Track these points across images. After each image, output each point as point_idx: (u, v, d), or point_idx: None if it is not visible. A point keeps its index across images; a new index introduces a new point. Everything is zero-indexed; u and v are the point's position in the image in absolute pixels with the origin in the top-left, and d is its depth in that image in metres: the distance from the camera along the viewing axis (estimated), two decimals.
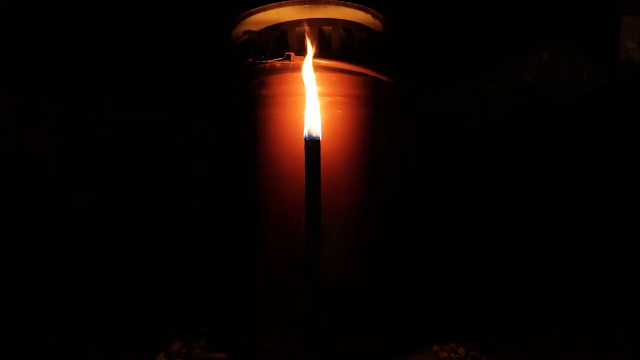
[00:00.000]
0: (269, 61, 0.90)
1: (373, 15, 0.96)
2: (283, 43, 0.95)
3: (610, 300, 1.21)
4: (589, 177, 1.41)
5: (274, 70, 0.90)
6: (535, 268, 1.35)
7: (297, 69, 0.89)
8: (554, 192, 1.42)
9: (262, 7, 0.92)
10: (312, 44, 0.80)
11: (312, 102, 0.73)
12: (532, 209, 1.41)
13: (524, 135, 1.43)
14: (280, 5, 0.91)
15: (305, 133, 0.70)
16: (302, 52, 0.90)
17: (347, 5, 0.92)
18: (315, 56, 0.89)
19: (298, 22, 0.94)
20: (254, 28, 0.98)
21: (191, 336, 1.04)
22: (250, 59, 0.92)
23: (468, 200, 1.43)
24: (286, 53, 0.89)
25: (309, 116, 0.71)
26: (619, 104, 1.42)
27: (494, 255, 1.37)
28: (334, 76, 0.89)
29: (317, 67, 0.88)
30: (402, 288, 1.05)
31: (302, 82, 0.89)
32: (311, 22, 0.94)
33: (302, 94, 0.89)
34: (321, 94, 0.87)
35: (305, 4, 0.91)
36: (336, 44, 0.95)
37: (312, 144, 0.70)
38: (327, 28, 0.95)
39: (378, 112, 0.94)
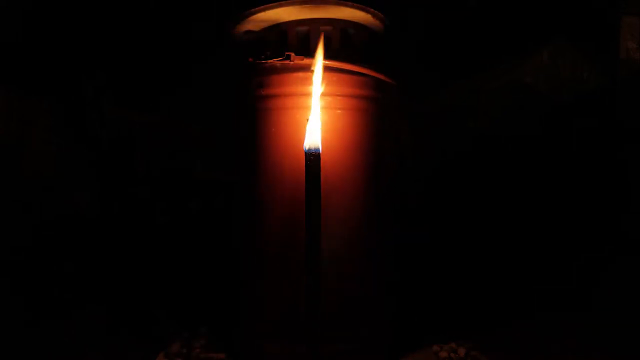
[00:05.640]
0: (269, 61, 0.90)
1: (373, 15, 0.96)
2: (283, 43, 0.95)
3: (612, 299, 1.21)
4: (589, 176, 1.41)
5: (274, 70, 0.91)
6: (536, 268, 1.35)
7: (297, 68, 0.89)
8: (553, 191, 1.42)
9: (262, 7, 0.92)
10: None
11: (314, 116, 0.73)
12: (531, 207, 1.41)
13: (524, 134, 1.43)
14: (281, 5, 0.91)
15: (306, 146, 0.70)
16: (302, 52, 0.90)
17: (347, 5, 0.92)
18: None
19: (298, 22, 0.94)
20: (254, 28, 0.98)
21: (191, 336, 1.04)
22: (250, 59, 0.92)
23: (467, 199, 1.43)
24: (286, 53, 0.89)
25: (310, 128, 0.72)
26: (619, 104, 1.42)
27: (494, 255, 1.37)
28: (334, 76, 0.89)
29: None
30: (403, 288, 1.05)
31: (302, 83, 0.89)
32: (312, 22, 0.94)
33: (302, 94, 0.89)
34: (321, 94, 0.87)
35: (305, 4, 0.91)
36: (336, 43, 0.95)
37: (312, 156, 0.70)
38: (327, 28, 0.95)
39: (378, 111, 0.94)
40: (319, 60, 0.79)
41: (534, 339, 1.04)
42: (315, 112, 0.75)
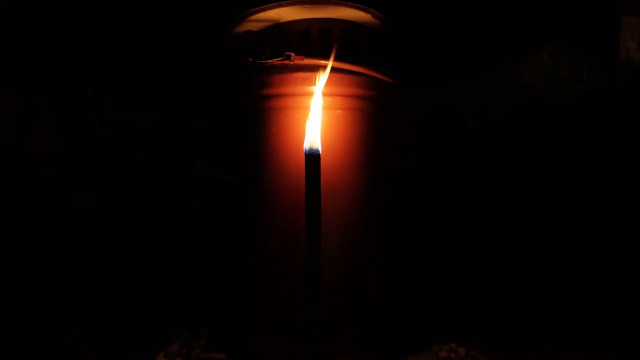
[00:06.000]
0: (269, 61, 0.90)
1: (373, 15, 0.96)
2: (283, 43, 0.95)
3: (612, 299, 1.21)
4: (589, 176, 1.41)
5: (274, 70, 0.91)
6: (536, 268, 1.35)
7: (297, 68, 0.89)
8: (553, 191, 1.42)
9: (262, 7, 0.92)
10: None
11: (315, 117, 0.73)
12: (531, 207, 1.41)
13: (523, 134, 1.43)
14: (281, 5, 0.91)
15: (306, 146, 0.70)
16: (302, 52, 0.90)
17: (347, 5, 0.92)
18: (317, 56, 0.89)
19: (298, 22, 0.95)
20: (254, 28, 0.98)
21: (191, 336, 1.04)
22: (250, 59, 0.92)
23: (467, 199, 1.43)
24: (286, 53, 0.89)
25: (309, 130, 0.72)
26: (618, 104, 1.42)
27: (494, 255, 1.37)
28: (334, 76, 0.89)
29: (317, 67, 0.88)
30: (402, 288, 1.05)
31: (302, 83, 0.90)
32: (312, 22, 0.94)
33: (302, 94, 0.89)
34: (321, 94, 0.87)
35: (305, 4, 0.91)
36: (336, 43, 0.95)
37: (312, 157, 0.70)
38: (327, 28, 0.95)
39: (378, 111, 0.94)
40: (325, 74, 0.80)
41: (534, 339, 1.04)
42: (315, 113, 0.75)
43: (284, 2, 0.90)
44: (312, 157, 0.70)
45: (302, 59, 0.89)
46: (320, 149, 0.71)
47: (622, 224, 1.38)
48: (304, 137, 0.71)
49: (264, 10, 0.92)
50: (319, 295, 0.71)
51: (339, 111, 0.90)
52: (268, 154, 0.91)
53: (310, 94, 0.88)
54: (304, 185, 0.71)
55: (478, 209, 1.43)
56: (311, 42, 0.94)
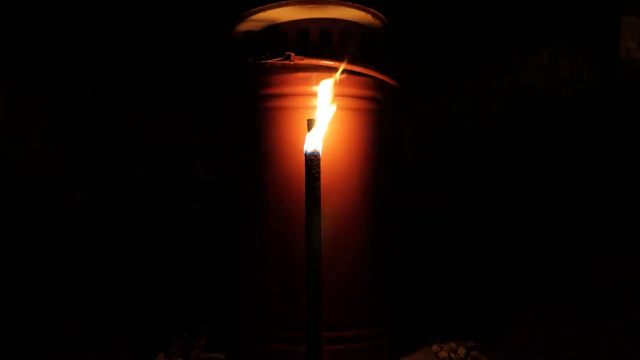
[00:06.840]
0: (269, 61, 0.90)
1: (373, 15, 0.96)
2: (283, 43, 0.95)
3: (612, 299, 1.21)
4: (589, 176, 1.41)
5: (274, 70, 0.91)
6: (535, 268, 1.35)
7: (297, 68, 0.89)
8: (553, 191, 1.42)
9: (262, 7, 0.92)
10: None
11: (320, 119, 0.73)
12: (531, 207, 1.41)
13: (523, 134, 1.43)
14: (281, 5, 0.91)
15: (306, 148, 0.70)
16: (302, 52, 0.90)
17: (347, 6, 0.92)
18: (317, 56, 0.89)
19: (298, 22, 0.95)
20: (254, 28, 0.98)
21: (191, 336, 1.04)
22: (250, 59, 0.92)
23: (467, 199, 1.43)
24: (286, 53, 0.89)
25: (310, 131, 0.72)
26: (618, 104, 1.42)
27: (494, 255, 1.37)
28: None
29: (317, 67, 0.88)
30: (403, 288, 1.05)
31: (302, 83, 0.90)
32: (311, 22, 0.94)
33: (302, 94, 0.90)
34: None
35: (305, 4, 0.91)
36: (336, 44, 0.95)
37: (313, 157, 0.70)
38: (327, 28, 0.95)
39: (377, 111, 0.94)
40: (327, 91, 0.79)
41: (534, 339, 1.04)
42: (317, 115, 0.75)
43: (284, 2, 0.90)
44: (313, 158, 0.70)
45: (302, 59, 0.89)
46: (320, 150, 0.71)
47: (621, 224, 1.38)
48: (304, 137, 0.71)
49: (264, 10, 0.93)
50: (319, 296, 0.71)
51: (339, 111, 0.90)
52: (268, 154, 0.91)
53: (310, 94, 0.88)
54: (304, 186, 0.71)
55: (478, 209, 1.43)
56: (311, 42, 0.94)
